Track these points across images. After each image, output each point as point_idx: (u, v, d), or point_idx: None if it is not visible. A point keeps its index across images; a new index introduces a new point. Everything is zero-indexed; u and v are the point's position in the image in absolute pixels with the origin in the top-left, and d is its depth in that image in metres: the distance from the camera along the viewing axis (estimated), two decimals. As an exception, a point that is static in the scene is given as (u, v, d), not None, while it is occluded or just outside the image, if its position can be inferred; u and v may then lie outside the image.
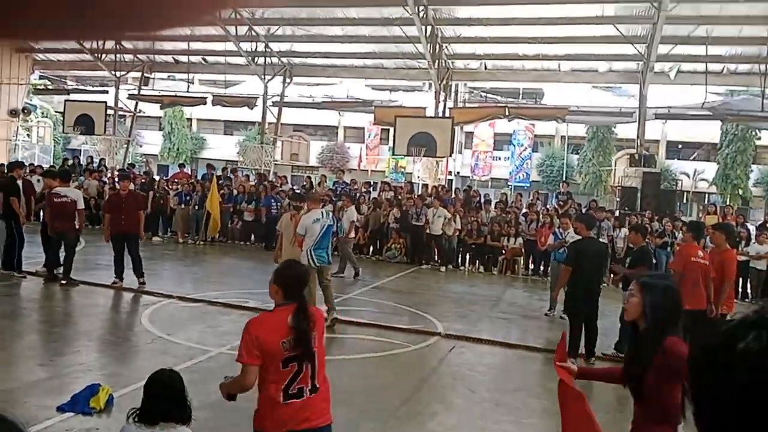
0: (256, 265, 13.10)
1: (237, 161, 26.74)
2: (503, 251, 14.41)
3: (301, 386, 2.97)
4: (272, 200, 15.86)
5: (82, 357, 6.31)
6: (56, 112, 31.65)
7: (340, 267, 12.07)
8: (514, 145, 32.54)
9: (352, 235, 12.92)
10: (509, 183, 31.75)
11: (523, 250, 14.28)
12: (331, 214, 8.43)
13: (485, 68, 21.07)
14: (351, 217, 12.86)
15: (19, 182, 10.52)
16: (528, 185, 30.94)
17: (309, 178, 20.15)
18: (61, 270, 9.66)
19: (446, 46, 19.52)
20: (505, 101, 23.70)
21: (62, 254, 9.70)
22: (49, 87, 28.84)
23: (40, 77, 28.52)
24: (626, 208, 16.39)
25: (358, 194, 16.58)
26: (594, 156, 30.79)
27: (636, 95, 19.25)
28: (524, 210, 15.91)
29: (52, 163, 24.02)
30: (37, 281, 9.82)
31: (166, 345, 6.88)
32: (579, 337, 7.39)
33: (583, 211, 15.65)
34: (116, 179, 11.67)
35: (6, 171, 12.20)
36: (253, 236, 16.40)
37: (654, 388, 2.67)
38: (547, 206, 17.02)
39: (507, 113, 19.98)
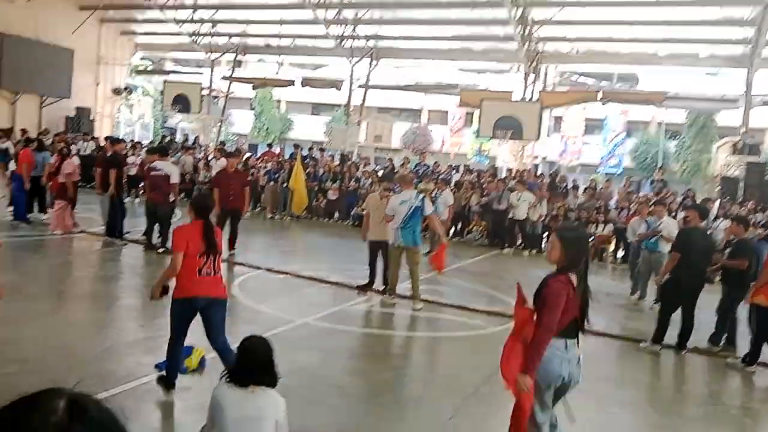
0: (340, 241, 13.36)
1: (323, 142, 27.27)
2: (591, 238, 13.96)
3: (208, 270, 4.54)
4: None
5: (177, 320, 6.67)
6: (156, 91, 33.33)
7: (431, 248, 12.06)
8: (606, 130, 31.28)
9: (445, 217, 12.78)
10: (599, 169, 30.58)
11: (613, 237, 13.77)
12: (421, 196, 8.34)
13: (577, 52, 20.31)
14: (447, 201, 12.83)
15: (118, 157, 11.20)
16: (620, 172, 29.65)
17: (390, 159, 20.24)
18: (156, 238, 10.26)
19: (536, 29, 18.95)
20: (597, 85, 22.79)
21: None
22: (150, 68, 30.41)
23: (141, 58, 30.10)
24: (727, 199, 15.44)
25: (439, 177, 16.50)
26: (693, 143, 29.10)
27: (741, 80, 18.01)
28: (615, 197, 15.32)
29: (151, 140, 25.34)
30: (137, 248, 10.45)
31: (254, 314, 7.15)
32: (666, 327, 7.09)
33: (679, 200, 14.91)
34: (225, 157, 12.08)
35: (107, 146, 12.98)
36: (336, 214, 16.73)
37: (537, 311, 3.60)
38: (640, 194, 16.31)
39: (600, 97, 19.21)
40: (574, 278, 3.59)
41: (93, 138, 20.13)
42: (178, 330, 4.68)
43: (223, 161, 17.02)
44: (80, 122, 23.24)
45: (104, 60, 25.83)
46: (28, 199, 11.84)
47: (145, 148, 14.89)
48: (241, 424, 2.72)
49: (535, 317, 3.67)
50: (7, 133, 18.07)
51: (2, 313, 5.70)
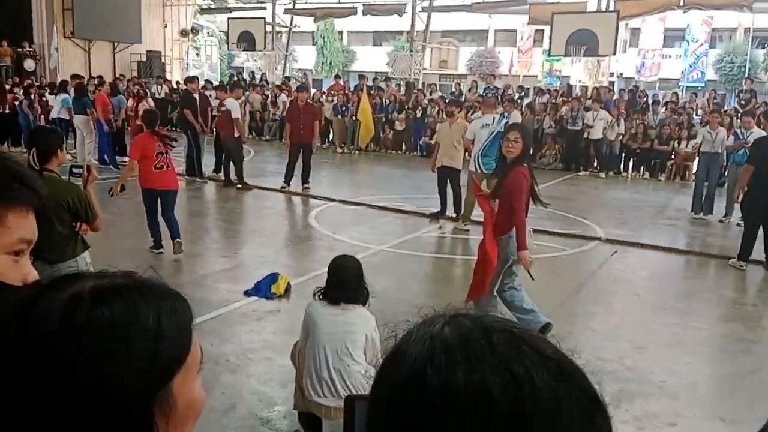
0: (408, 172, 13.37)
1: (386, 72, 26.86)
2: (672, 156, 13.36)
3: (160, 164, 6.23)
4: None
5: (260, 251, 6.97)
6: (220, 31, 33.53)
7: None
8: (688, 41, 29.17)
9: None
10: (681, 83, 28.80)
11: (697, 154, 13.09)
12: (504, 120, 8.10)
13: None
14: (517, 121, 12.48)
15: (195, 96, 11.45)
16: (703, 85, 27.83)
17: (458, 84, 19.80)
18: (233, 175, 10.61)
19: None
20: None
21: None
22: (213, 6, 30.50)
23: (205, -2, 30.21)
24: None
25: (509, 99, 16.03)
26: (785, 49, 26.85)
27: None
28: (699, 112, 14.49)
29: (219, 79, 25.75)
30: (217, 185, 10.85)
31: (332, 242, 7.37)
32: (752, 242, 6.80)
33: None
34: (295, 91, 12.17)
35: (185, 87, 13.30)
36: (404, 145, 16.66)
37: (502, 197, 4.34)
38: (725, 108, 15.34)
39: (681, 4, 17.85)
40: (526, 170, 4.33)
41: (166, 80, 20.65)
42: (148, 210, 6.54)
43: (283, 97, 17.26)
44: (152, 66, 23.83)
45: (170, 2, 26.12)
46: (111, 142, 12.39)
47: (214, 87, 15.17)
48: (335, 336, 2.87)
49: (496, 204, 4.50)
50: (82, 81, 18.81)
51: (98, 249, 6.10)
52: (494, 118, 7.97)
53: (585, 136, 13.64)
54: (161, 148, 6.24)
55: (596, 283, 6.37)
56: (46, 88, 14.84)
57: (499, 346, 0.58)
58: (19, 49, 19.96)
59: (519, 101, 15.29)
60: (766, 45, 28.46)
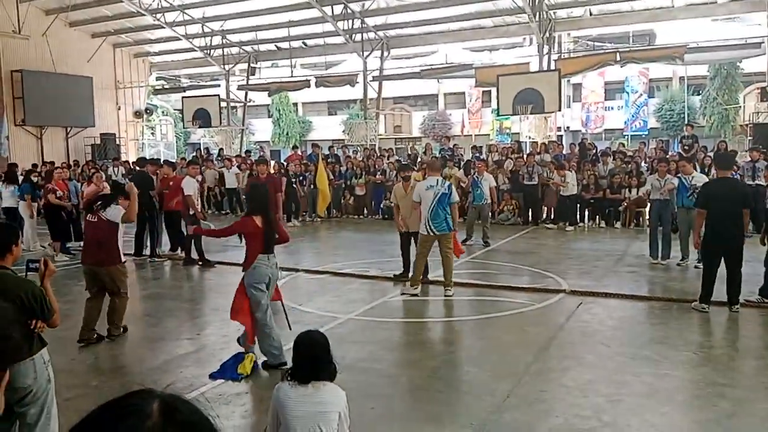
0: (371, 236, 13.39)
1: (342, 140, 27.31)
2: (625, 202, 13.75)
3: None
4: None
5: (224, 330, 6.77)
6: (175, 109, 33.79)
7: (468, 233, 11.90)
8: (628, 93, 30.66)
9: (490, 200, 12.44)
10: (625, 133, 30.04)
11: (648, 199, 13.50)
12: (447, 183, 8.28)
13: (590, 14, 19.94)
14: (491, 183, 12.54)
15: (153, 177, 11.39)
16: (646, 133, 29.10)
17: (413, 147, 20.23)
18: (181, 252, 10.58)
19: (546, -4, 18.66)
20: (613, 47, 22.34)
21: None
22: (166, 86, 30.81)
23: (157, 78, 30.52)
24: (760, 147, 15.04)
25: (461, 159, 16.42)
26: (719, 95, 28.36)
27: (763, 23, 17.48)
28: (646, 160, 15.04)
29: (175, 158, 25.71)
30: (175, 264, 10.63)
31: (299, 314, 7.21)
32: (712, 283, 6.95)
33: (711, 154, 14.58)
34: (256, 164, 12.33)
35: (138, 167, 13.20)
36: (365, 209, 16.76)
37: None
38: (669, 153, 15.98)
39: (618, 58, 18.84)
40: (258, 219, 5.47)
41: (123, 162, 20.50)
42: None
43: (235, 169, 17.42)
44: (106, 148, 23.70)
45: (122, 84, 26.28)
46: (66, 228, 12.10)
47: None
48: (306, 418, 2.76)
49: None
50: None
51: (54, 341, 5.85)
52: (438, 180, 8.11)
53: (562, 193, 13.82)
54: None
55: (565, 337, 6.37)
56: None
57: None
58: (-32, 140, 19.65)
59: (460, 162, 15.67)
60: (700, 92, 30.06)
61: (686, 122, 22.63)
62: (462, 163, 15.39)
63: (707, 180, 9.28)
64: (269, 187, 10.19)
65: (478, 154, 16.83)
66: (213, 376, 5.24)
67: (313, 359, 2.88)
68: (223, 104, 24.44)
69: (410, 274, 8.40)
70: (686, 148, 15.18)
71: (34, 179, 12.96)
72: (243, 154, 20.69)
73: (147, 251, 11.11)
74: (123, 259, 6.42)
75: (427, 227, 7.93)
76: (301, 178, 16.79)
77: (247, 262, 5.52)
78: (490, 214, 12.45)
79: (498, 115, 25.02)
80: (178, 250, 11.03)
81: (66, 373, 5.43)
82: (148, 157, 16.33)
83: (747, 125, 21.71)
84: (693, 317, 6.91)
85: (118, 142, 25.07)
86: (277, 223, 5.80)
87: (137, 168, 13.22)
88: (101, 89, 24.52)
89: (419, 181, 8.65)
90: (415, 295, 8.02)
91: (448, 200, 7.98)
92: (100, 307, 6.37)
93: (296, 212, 15.74)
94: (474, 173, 12.75)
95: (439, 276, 8.24)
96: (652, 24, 23.66)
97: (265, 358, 5.45)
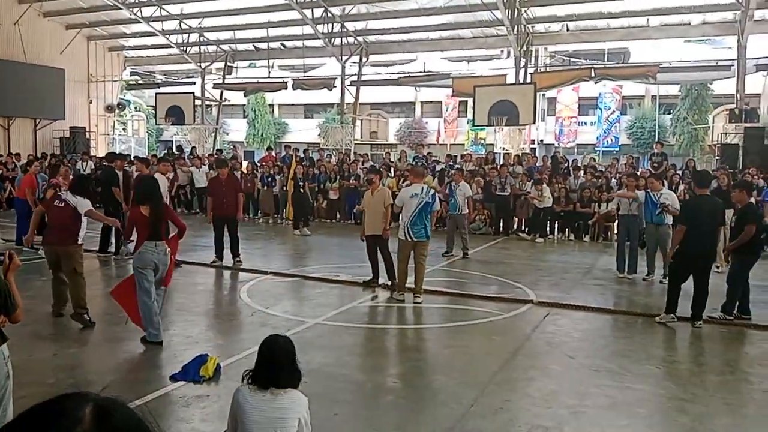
0: (343, 240, 13.34)
1: (318, 143, 27.20)
2: (594, 217, 13.91)
3: None
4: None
5: (188, 330, 6.66)
6: (148, 106, 33.30)
7: (448, 246, 11.66)
8: (601, 109, 31.19)
9: (466, 210, 11.92)
10: (597, 148, 30.52)
11: (617, 214, 13.71)
12: (432, 192, 8.27)
13: (567, 29, 20.24)
14: (466, 192, 11.91)
15: (119, 173, 11.18)
16: (617, 149, 29.62)
17: (388, 153, 20.23)
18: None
19: (525, 10, 18.88)
20: (589, 63, 22.71)
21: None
22: (140, 82, 30.36)
23: (131, 73, 30.07)
24: (727, 167, 15.39)
25: (436, 167, 16.49)
26: (689, 114, 29.00)
27: (733, 47, 17.93)
28: (616, 176, 15.26)
29: (146, 154, 25.32)
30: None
31: (265, 317, 7.14)
32: (676, 298, 7.10)
33: (680, 172, 14.88)
34: (214, 165, 12.12)
35: (106, 163, 12.96)
36: (338, 214, 16.70)
37: None
38: (639, 170, 16.26)
39: (593, 75, 19.15)
40: (145, 209, 5.96)
41: (91, 157, 20.10)
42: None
43: (206, 168, 17.16)
44: (75, 142, 23.23)
45: (95, 78, 25.82)
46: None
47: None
48: (265, 424, 2.70)
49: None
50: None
51: (13, 338, 5.67)
52: (422, 188, 8.11)
53: (539, 206, 13.91)
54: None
55: (532, 347, 6.40)
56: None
57: None
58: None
59: (434, 170, 15.74)
60: (671, 111, 30.71)
61: (656, 140, 23.07)
62: (436, 172, 15.42)
63: (674, 196, 9.45)
64: (229, 188, 10.13)
65: (451, 163, 16.89)
66: (174, 378, 5.13)
67: (275, 366, 2.82)
68: (198, 102, 24.16)
69: (383, 282, 8.36)
70: (656, 165, 15.46)
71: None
72: (215, 153, 20.47)
73: (112, 248, 10.89)
74: (80, 242, 6.83)
75: (406, 233, 7.94)
76: (269, 179, 16.69)
77: (135, 248, 6.15)
78: (466, 223, 12.14)
79: (473, 125, 25.19)
80: None
81: (22, 370, 5.27)
82: (117, 153, 16.07)
83: (715, 145, 22.21)
84: (657, 331, 7.01)
85: (87, 136, 24.59)
86: (167, 213, 6.32)
87: (105, 163, 12.95)
88: (73, 82, 24.05)
89: (405, 187, 8.65)
90: (402, 300, 8.00)
91: (431, 208, 8.01)
92: (65, 282, 6.82)
93: (305, 220, 14.53)
94: (450, 182, 12.70)
95: (410, 283, 8.22)
96: (627, 42, 24.16)
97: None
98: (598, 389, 5.17)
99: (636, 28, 19.55)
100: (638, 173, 12.90)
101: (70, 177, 11.42)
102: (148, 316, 6.01)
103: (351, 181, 16.39)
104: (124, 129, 31.61)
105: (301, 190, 14.83)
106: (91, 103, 25.77)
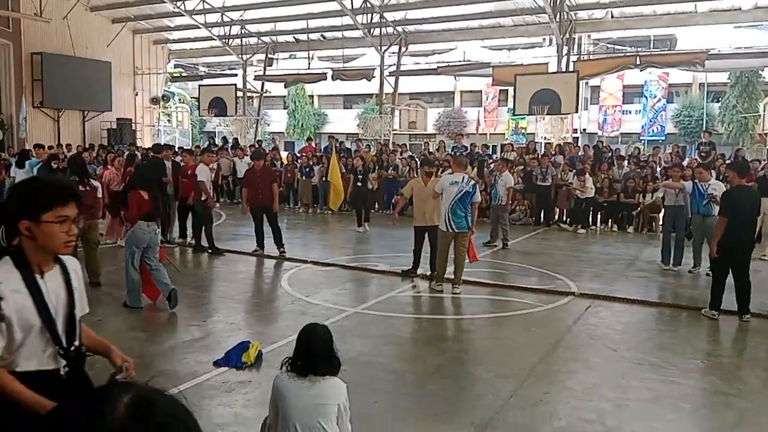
0: (381, 231, 13.36)
1: (357, 133, 27.28)
2: (638, 207, 13.62)
3: None
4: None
5: (231, 318, 6.80)
6: (191, 97, 33.92)
7: (491, 236, 11.61)
8: (646, 97, 30.38)
9: (505, 201, 11.72)
10: (642, 137, 29.78)
11: (662, 204, 13.39)
12: (472, 182, 8.21)
13: (611, 17, 19.75)
14: (507, 183, 11.73)
15: (168, 163, 11.42)
16: (663, 138, 28.83)
17: (427, 143, 20.15)
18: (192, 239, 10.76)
19: (567, -4, 18.49)
20: (634, 51, 22.11)
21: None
22: (184, 74, 30.93)
23: (175, 66, 30.63)
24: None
25: (477, 157, 16.34)
26: (738, 102, 28.01)
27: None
28: (662, 164, 14.91)
29: (190, 145, 25.81)
30: (184, 251, 10.68)
31: (306, 306, 7.24)
32: (721, 291, 6.89)
33: (728, 162, 14.40)
34: (251, 158, 12.25)
35: (153, 153, 13.26)
36: (377, 204, 16.74)
37: None
38: (686, 159, 15.83)
39: (638, 62, 18.65)
40: (144, 193, 6.83)
41: (137, 148, 20.59)
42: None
43: (248, 159, 17.32)
44: (122, 133, 23.83)
45: (140, 70, 26.40)
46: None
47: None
48: (305, 410, 2.75)
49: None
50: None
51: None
52: (463, 177, 8.06)
53: (580, 197, 13.74)
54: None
55: (572, 339, 6.33)
56: (16, 156, 14.67)
57: None
58: (-13, 120, 19.83)
59: (475, 159, 15.53)
60: (720, 99, 29.72)
61: (704, 129, 22.38)
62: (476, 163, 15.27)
63: (723, 187, 9.17)
64: (265, 178, 10.23)
65: (489, 153, 16.72)
66: (217, 363, 5.26)
67: (313, 354, 2.86)
68: (240, 94, 24.49)
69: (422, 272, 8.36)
70: (703, 154, 15.02)
71: (54, 166, 12.97)
72: (256, 144, 20.74)
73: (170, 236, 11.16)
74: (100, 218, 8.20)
75: (447, 224, 7.90)
76: (307, 169, 16.85)
77: (131, 227, 7.02)
78: (505, 215, 11.87)
79: (514, 114, 24.87)
80: (187, 238, 11.08)
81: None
82: (163, 144, 16.41)
83: (766, 134, 21.45)
84: (702, 325, 6.84)
85: (134, 128, 25.20)
86: (158, 198, 7.19)
87: (152, 154, 13.25)
88: (119, 74, 24.64)
89: (446, 175, 8.66)
90: (441, 291, 8.00)
91: (470, 199, 7.95)
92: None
93: (366, 215, 13.66)
94: (494, 172, 12.54)
95: (449, 274, 8.21)
96: (674, 29, 23.41)
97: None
98: (640, 383, 5.08)
99: (683, 14, 18.91)
100: (684, 163, 12.57)
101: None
102: (132, 286, 6.94)
103: (389, 171, 16.40)
104: (168, 120, 32.26)
105: (359, 184, 14.28)
106: (137, 95, 26.37)
